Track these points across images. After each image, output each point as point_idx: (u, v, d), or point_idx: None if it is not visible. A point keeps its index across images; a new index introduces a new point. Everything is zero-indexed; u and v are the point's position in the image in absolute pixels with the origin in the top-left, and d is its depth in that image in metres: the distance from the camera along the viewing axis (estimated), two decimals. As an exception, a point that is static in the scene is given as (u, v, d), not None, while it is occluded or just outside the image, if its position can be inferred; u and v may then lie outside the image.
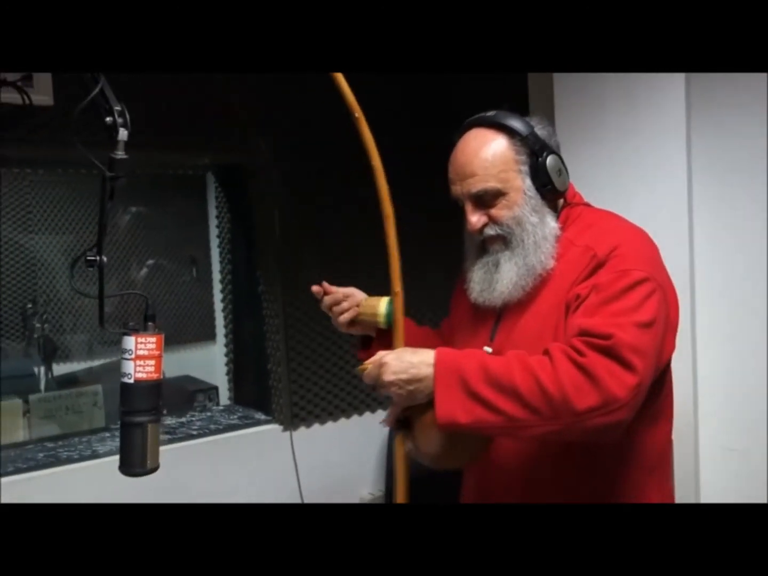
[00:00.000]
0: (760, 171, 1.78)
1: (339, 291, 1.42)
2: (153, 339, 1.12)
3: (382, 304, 1.37)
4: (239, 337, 2.64)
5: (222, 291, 2.79)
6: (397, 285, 1.23)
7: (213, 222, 2.83)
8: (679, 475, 1.91)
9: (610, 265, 1.15)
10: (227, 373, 2.71)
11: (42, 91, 1.70)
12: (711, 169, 1.86)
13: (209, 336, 3.00)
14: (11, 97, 1.66)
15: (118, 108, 1.05)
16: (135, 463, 1.12)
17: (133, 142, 1.96)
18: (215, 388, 2.67)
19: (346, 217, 2.32)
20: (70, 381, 2.87)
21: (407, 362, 1.11)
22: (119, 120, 1.05)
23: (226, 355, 2.70)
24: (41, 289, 3.22)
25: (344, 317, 1.40)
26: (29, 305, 3.19)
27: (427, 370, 1.09)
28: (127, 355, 1.12)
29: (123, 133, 1.05)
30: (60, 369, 3.01)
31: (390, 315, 1.34)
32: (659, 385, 1.20)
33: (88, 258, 1.11)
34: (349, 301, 1.41)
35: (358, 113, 1.18)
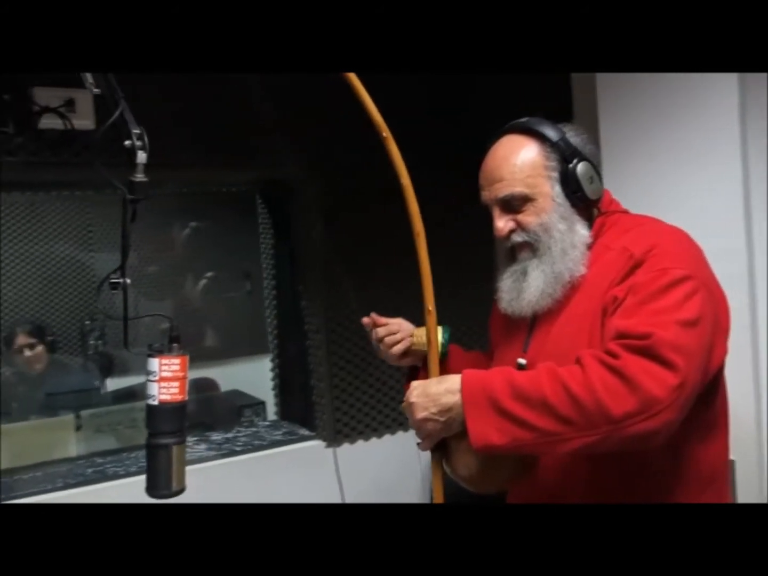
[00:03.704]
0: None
1: (390, 321, 1.40)
2: (177, 360, 1.12)
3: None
4: (285, 351, 2.64)
5: (267, 306, 2.80)
6: (430, 303, 1.21)
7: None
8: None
9: (648, 264, 1.10)
10: (273, 388, 2.71)
11: (83, 116, 1.74)
12: None
13: (262, 350, 3.02)
14: (54, 122, 1.71)
15: (136, 131, 1.06)
16: (161, 486, 1.12)
17: (181, 161, 2.00)
18: (262, 403, 2.69)
19: (388, 231, 2.29)
20: (127, 395, 2.93)
21: (433, 394, 1.10)
22: (138, 143, 1.05)
23: (272, 370, 2.71)
24: (102, 305, 3.32)
25: (397, 348, 1.38)
26: (87, 321, 3.30)
27: (454, 398, 1.08)
28: (151, 377, 1.12)
29: (141, 156, 1.06)
30: (120, 383, 3.09)
31: (446, 344, 1.32)
32: (711, 394, 1.14)
33: (112, 281, 1.12)
34: (400, 332, 1.39)
35: (386, 133, 1.18)
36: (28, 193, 3.14)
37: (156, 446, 1.11)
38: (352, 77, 1.13)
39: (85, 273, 3.55)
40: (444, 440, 1.15)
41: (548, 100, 1.48)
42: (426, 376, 1.34)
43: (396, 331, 1.39)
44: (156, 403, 1.11)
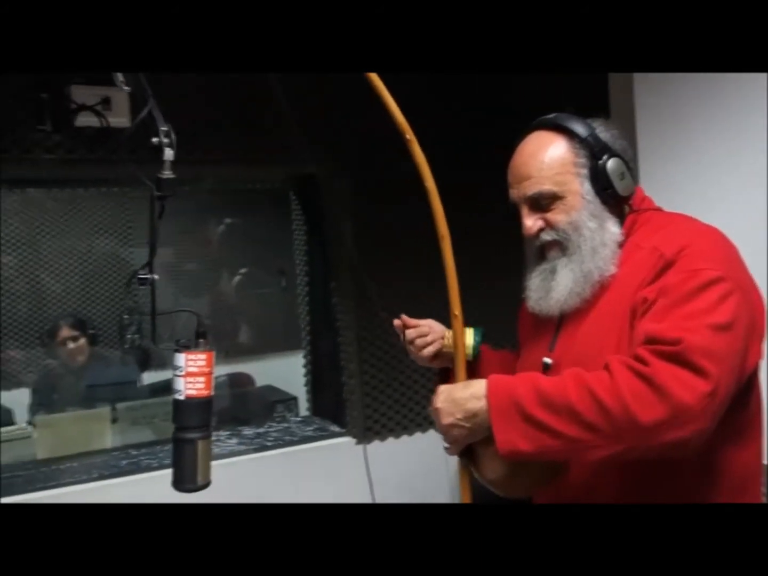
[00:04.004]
0: None
1: (420, 323, 1.38)
2: (203, 356, 1.12)
3: (468, 335, 1.30)
4: (317, 348, 2.65)
5: (300, 303, 2.82)
6: (456, 308, 1.20)
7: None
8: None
9: (679, 265, 1.06)
10: (305, 384, 2.73)
11: (119, 114, 1.77)
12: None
13: (296, 346, 3.04)
14: (90, 120, 1.74)
15: (164, 128, 1.07)
16: (186, 480, 1.13)
17: (215, 158, 2.01)
18: (295, 399, 2.70)
19: (420, 228, 2.27)
20: (163, 389, 2.98)
21: (459, 400, 1.09)
22: (165, 140, 1.06)
23: (305, 366, 2.73)
24: (140, 300, 3.39)
25: (428, 351, 1.36)
26: (125, 316, 3.36)
27: (479, 404, 1.07)
28: (177, 372, 1.13)
29: (168, 153, 1.07)
30: (156, 377, 3.14)
31: (477, 347, 1.30)
32: (745, 397, 1.10)
33: (140, 276, 1.13)
34: (431, 333, 1.37)
35: (410, 135, 1.17)
36: (68, 190, 3.21)
37: (182, 441, 1.12)
38: (375, 79, 1.12)
39: (125, 268, 3.62)
40: (471, 445, 1.14)
41: (585, 100, 1.45)
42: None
43: (426, 333, 1.37)
44: (182, 398, 1.12)
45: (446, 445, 1.16)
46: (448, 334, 1.33)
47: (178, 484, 1.13)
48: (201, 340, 1.14)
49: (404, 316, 1.40)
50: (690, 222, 1.18)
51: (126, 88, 1.12)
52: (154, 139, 1.06)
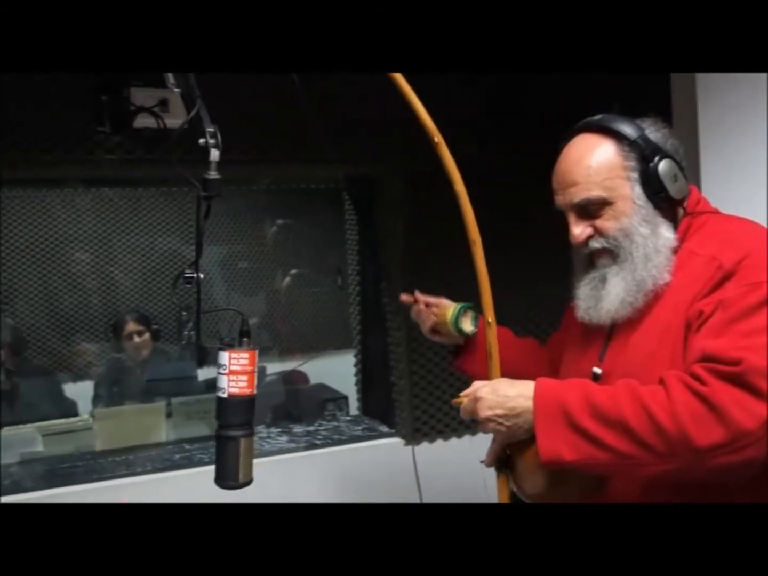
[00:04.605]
0: None
1: (431, 302, 1.45)
2: (246, 355, 1.14)
3: (450, 311, 1.37)
4: (368, 347, 2.66)
5: (351, 302, 2.83)
6: (490, 315, 1.19)
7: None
8: None
9: (738, 277, 1.02)
10: (356, 384, 2.73)
11: (176, 115, 1.80)
12: None
13: (348, 344, 3.06)
14: (148, 122, 1.78)
15: (210, 129, 1.08)
16: (228, 476, 1.15)
17: (269, 158, 2.03)
18: (345, 398, 2.71)
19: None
20: (218, 385, 3.02)
21: (503, 396, 1.07)
22: (211, 141, 1.08)
23: (355, 365, 2.73)
24: (183, 299, 3.46)
25: (426, 325, 1.45)
26: (184, 312, 3.44)
27: (525, 404, 1.05)
28: (221, 370, 1.15)
29: (214, 154, 1.08)
30: (212, 373, 3.20)
31: (457, 323, 1.36)
32: None
33: (186, 275, 1.15)
34: (435, 309, 1.44)
35: (438, 138, 1.16)
36: (129, 189, 3.31)
37: (225, 438, 1.15)
38: (400, 80, 1.12)
39: (185, 266, 3.71)
40: (509, 457, 1.12)
41: (646, 102, 1.40)
42: (466, 356, 1.43)
43: (433, 306, 1.44)
44: (225, 395, 1.14)
45: (482, 459, 1.15)
46: (442, 310, 1.42)
47: (221, 480, 1.16)
48: (245, 339, 1.16)
49: (417, 292, 1.48)
50: (749, 226, 1.12)
51: (176, 89, 1.15)
52: (201, 141, 1.08)
